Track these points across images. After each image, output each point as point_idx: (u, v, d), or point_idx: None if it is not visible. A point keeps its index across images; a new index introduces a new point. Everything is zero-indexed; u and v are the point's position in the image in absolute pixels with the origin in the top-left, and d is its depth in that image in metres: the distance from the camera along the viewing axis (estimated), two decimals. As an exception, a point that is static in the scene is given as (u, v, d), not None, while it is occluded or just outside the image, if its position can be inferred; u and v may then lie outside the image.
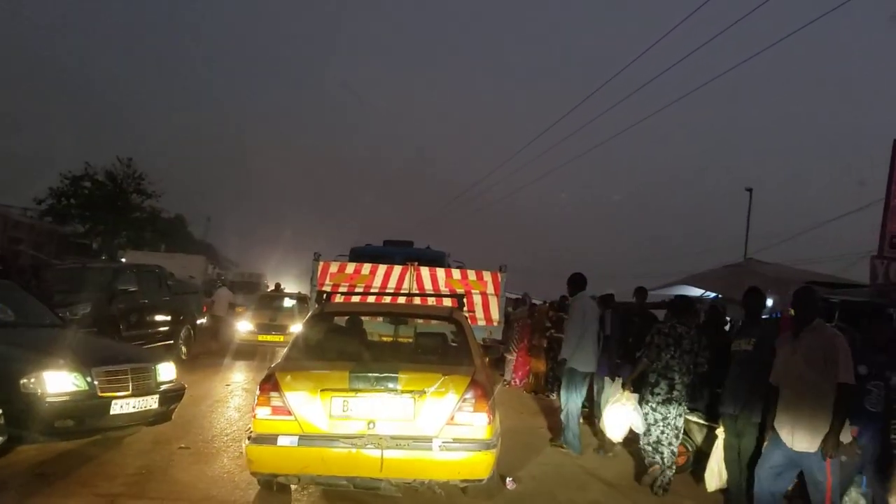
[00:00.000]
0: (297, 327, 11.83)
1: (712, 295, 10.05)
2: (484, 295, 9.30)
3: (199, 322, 14.28)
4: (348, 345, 5.31)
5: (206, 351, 14.16)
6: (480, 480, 4.42)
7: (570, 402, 6.99)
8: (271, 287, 22.18)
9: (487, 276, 9.54)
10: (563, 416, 7.06)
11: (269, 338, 13.97)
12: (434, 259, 11.46)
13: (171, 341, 11.95)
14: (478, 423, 4.34)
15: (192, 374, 10.26)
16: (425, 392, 4.34)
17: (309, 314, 5.89)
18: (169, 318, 12.14)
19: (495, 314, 9.32)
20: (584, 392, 7.11)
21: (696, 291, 10.58)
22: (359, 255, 11.58)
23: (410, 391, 4.35)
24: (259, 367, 11.56)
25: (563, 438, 7.02)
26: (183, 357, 12.13)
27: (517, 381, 12.12)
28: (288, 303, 16.50)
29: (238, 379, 11.09)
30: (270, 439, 4.29)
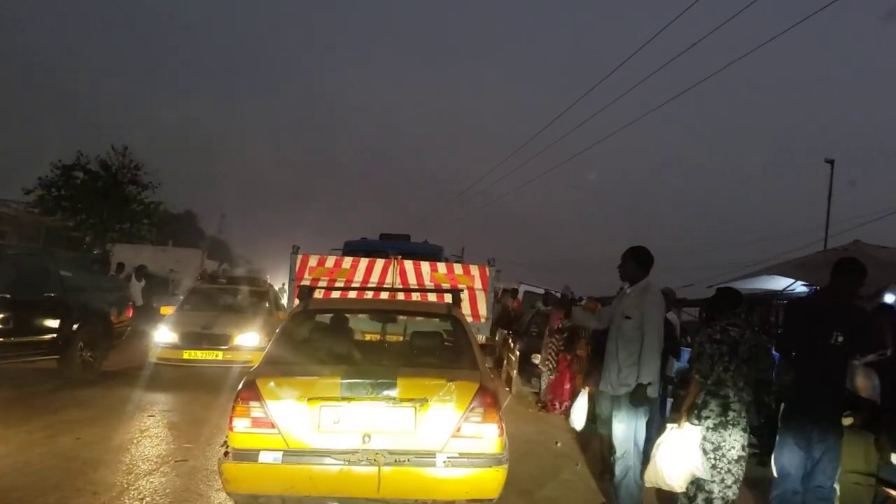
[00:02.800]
0: (247, 338, 9.54)
1: (804, 288, 8.55)
2: (471, 290, 9.07)
3: (120, 327, 10.63)
4: (337, 346, 4.89)
5: (133, 366, 10.24)
6: (490, 500, 4.04)
7: (628, 439, 4.88)
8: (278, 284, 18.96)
9: (475, 270, 9.32)
10: (617, 465, 4.98)
11: (199, 354, 9.42)
12: (430, 253, 11.16)
13: (58, 355, 9.01)
14: (487, 435, 3.98)
15: (97, 403, 7.88)
16: (428, 400, 3.96)
17: (291, 311, 5.47)
18: (56, 321, 8.87)
19: (483, 310, 9.14)
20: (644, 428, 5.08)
21: (780, 282, 9.10)
22: (353, 250, 11.22)
23: (411, 399, 3.96)
24: (195, 392, 8.80)
25: (616, 498, 5.01)
26: (86, 372, 9.34)
27: (557, 405, 9.05)
28: (236, 299, 11.67)
29: (165, 406, 8.07)
30: (250, 455, 3.88)
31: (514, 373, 10.58)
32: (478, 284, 9.18)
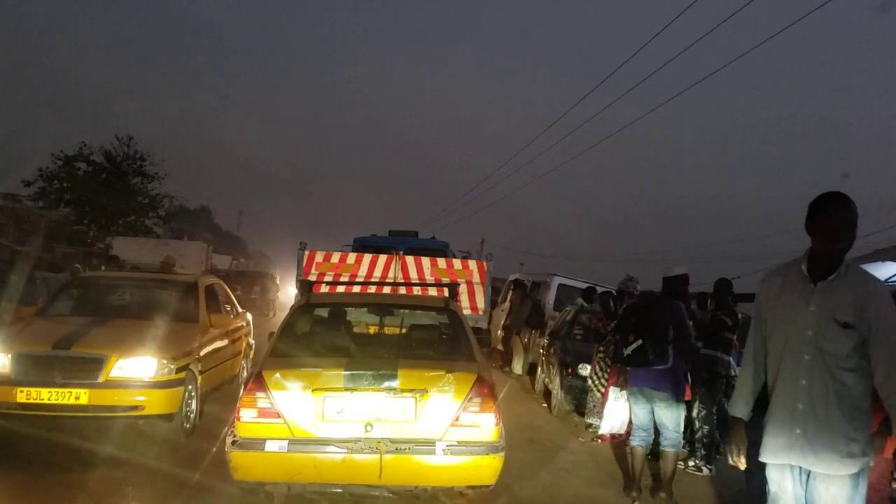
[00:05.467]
0: (136, 364, 5.80)
1: None
2: (470, 284, 9.74)
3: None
4: (338, 339, 5.17)
5: None
6: (487, 486, 4.36)
7: None
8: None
9: (473, 265, 10.15)
10: None
11: (46, 394, 5.58)
12: (437, 249, 11.76)
13: None
14: (485, 424, 4.26)
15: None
16: (427, 391, 4.24)
17: (292, 306, 5.68)
18: None
19: (481, 303, 9.81)
20: None
21: (886, 270, 8.20)
22: (362, 245, 11.78)
23: (411, 390, 4.24)
24: (41, 464, 5.46)
25: None
26: None
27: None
28: (141, 297, 7.56)
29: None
30: (257, 444, 4.16)
31: (557, 387, 8.71)
32: (476, 279, 9.84)
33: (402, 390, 4.21)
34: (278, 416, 4.17)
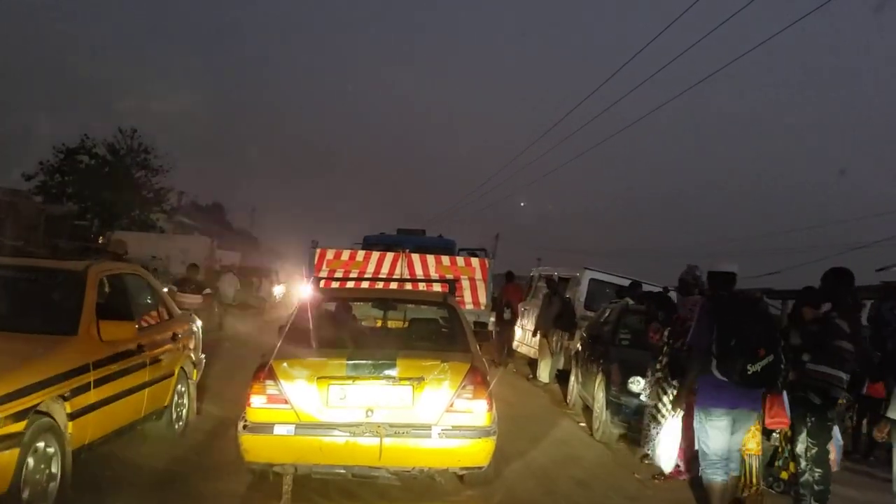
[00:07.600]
0: None
1: None
2: (472, 280, 10.23)
3: None
4: (343, 331, 5.48)
5: None
6: (480, 468, 4.65)
7: None
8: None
9: (475, 262, 10.67)
10: None
11: None
12: (444, 247, 12.07)
13: None
14: (477, 409, 4.55)
15: None
16: (424, 379, 4.53)
17: (301, 300, 5.98)
18: None
19: (482, 298, 10.32)
20: None
21: None
22: (371, 243, 12.07)
23: (409, 378, 4.54)
24: None
25: None
26: None
27: (681, 465, 5.70)
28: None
29: None
30: (266, 428, 4.49)
31: (600, 404, 7.18)
32: (478, 275, 10.32)
33: (401, 379, 4.53)
34: (286, 402, 4.50)
